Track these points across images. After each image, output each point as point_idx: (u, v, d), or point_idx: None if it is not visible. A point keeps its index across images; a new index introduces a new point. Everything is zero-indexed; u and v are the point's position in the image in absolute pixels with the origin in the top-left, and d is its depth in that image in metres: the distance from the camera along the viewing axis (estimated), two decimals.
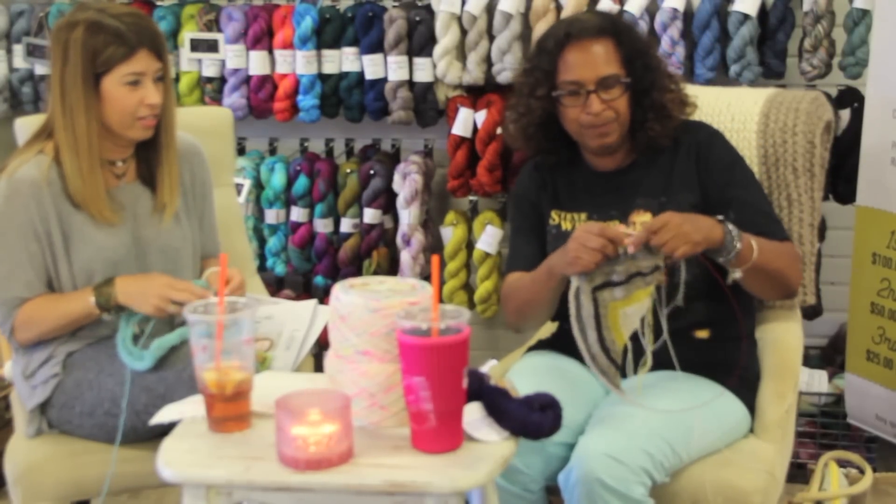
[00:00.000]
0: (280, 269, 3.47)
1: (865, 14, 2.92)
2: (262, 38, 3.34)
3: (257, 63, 3.35)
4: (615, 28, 2.21)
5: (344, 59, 3.32)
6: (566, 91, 2.19)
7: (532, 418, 1.67)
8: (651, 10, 3.06)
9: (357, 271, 3.40)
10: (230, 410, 1.70)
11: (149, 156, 2.28)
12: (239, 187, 3.17)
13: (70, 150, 2.15)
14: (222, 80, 3.41)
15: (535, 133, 2.29)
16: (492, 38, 3.17)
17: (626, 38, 2.21)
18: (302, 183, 3.38)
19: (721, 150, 2.26)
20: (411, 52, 3.25)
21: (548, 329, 2.48)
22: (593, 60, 2.17)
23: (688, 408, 2.07)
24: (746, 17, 2.98)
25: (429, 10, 3.23)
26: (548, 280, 2.16)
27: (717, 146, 2.26)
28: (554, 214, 2.31)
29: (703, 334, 2.12)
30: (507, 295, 2.32)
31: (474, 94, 3.27)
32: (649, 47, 2.27)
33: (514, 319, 2.34)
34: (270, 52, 3.36)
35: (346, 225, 3.40)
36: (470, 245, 3.34)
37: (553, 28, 2.27)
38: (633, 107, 2.22)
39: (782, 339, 2.35)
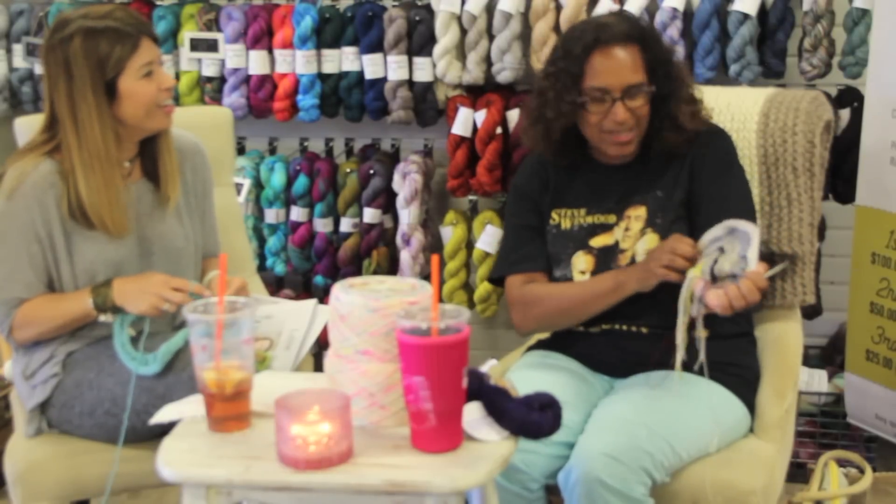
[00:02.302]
0: (280, 268, 3.47)
1: (865, 14, 2.92)
2: (261, 37, 3.34)
3: (257, 63, 3.35)
4: (642, 35, 2.19)
5: (344, 59, 3.32)
6: (592, 97, 2.16)
7: (532, 418, 1.67)
8: (651, 10, 3.06)
9: (357, 271, 3.40)
10: (230, 410, 1.70)
11: (151, 148, 2.27)
12: (239, 187, 3.17)
13: (87, 166, 2.13)
14: (222, 80, 3.41)
15: (559, 137, 2.26)
16: (491, 38, 3.17)
17: (651, 45, 2.19)
18: (302, 182, 3.38)
19: (722, 147, 2.27)
20: (411, 52, 3.25)
21: None
22: (620, 68, 2.15)
23: (687, 406, 2.08)
24: (746, 16, 2.98)
25: (428, 10, 3.23)
26: (614, 294, 2.15)
27: (719, 144, 2.27)
28: (554, 214, 2.30)
29: (701, 333, 2.12)
30: (529, 301, 2.26)
31: (474, 94, 3.27)
32: (673, 55, 2.26)
33: (532, 326, 2.31)
34: (270, 51, 3.36)
35: (346, 224, 3.40)
36: (470, 244, 3.34)
37: (580, 32, 2.21)
38: (651, 114, 2.21)
39: (782, 338, 2.35)
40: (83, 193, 2.14)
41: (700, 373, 2.07)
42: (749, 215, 2.22)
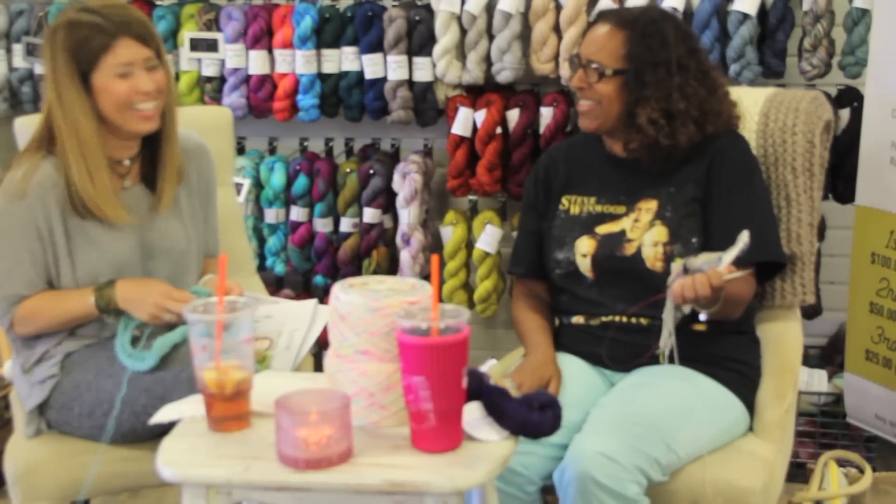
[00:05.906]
0: (280, 268, 3.47)
1: (865, 13, 2.92)
2: (261, 37, 3.34)
3: (257, 62, 3.35)
4: (635, 25, 2.23)
5: (343, 59, 3.32)
6: (571, 60, 2.29)
7: (532, 418, 1.67)
8: None
9: (357, 271, 3.40)
10: (230, 410, 1.70)
11: (153, 152, 2.26)
12: (238, 187, 3.17)
13: (75, 153, 2.13)
14: (222, 80, 3.41)
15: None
16: (491, 38, 3.17)
17: (640, 39, 2.21)
18: (301, 182, 3.38)
19: (744, 153, 2.27)
20: (411, 52, 3.25)
21: None
22: (594, 41, 2.24)
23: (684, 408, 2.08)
24: (746, 16, 2.98)
25: (428, 10, 3.23)
26: None
27: (737, 148, 2.27)
28: (564, 200, 2.34)
29: (700, 327, 2.12)
30: (513, 309, 2.42)
31: (474, 94, 3.27)
32: (665, 60, 2.22)
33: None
34: (270, 51, 3.36)
35: (346, 224, 3.40)
36: (469, 244, 3.34)
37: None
38: (632, 109, 2.22)
39: (782, 338, 2.35)
40: (75, 179, 2.14)
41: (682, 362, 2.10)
42: (767, 225, 2.23)
